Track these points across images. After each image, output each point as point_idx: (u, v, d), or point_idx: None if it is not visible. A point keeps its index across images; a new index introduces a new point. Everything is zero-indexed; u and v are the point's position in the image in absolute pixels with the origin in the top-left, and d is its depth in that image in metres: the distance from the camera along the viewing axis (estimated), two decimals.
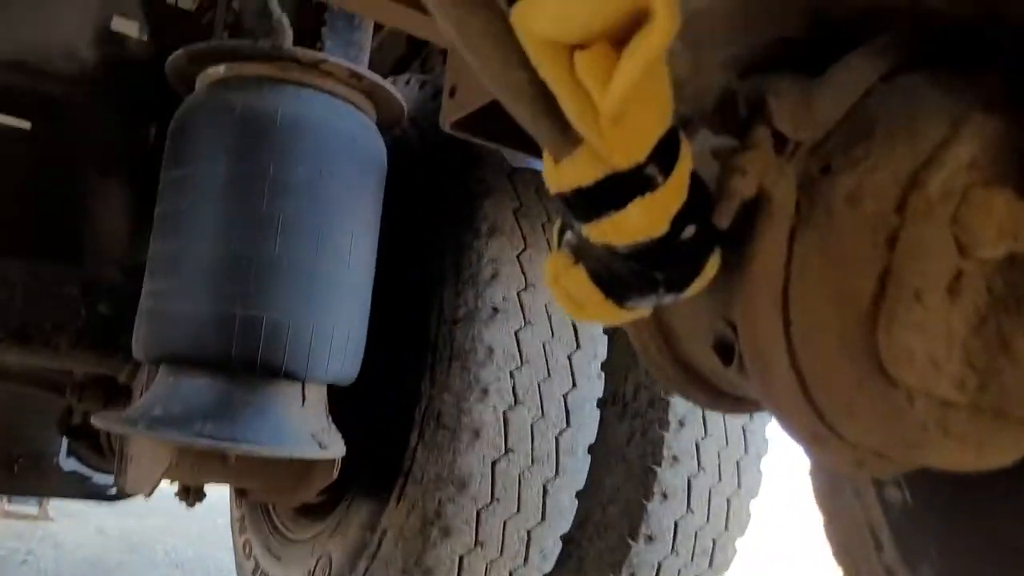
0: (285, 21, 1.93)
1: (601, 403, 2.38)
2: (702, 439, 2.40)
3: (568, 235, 0.78)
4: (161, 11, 2.53)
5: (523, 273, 2.15)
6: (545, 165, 0.69)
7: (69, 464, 3.46)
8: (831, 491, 1.19)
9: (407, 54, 3.14)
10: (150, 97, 2.29)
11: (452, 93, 1.24)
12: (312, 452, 1.85)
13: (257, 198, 1.78)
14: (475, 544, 2.08)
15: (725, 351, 0.82)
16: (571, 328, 2.20)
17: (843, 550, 1.18)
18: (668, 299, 0.73)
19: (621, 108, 0.60)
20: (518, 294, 2.12)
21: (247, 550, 2.78)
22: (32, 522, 6.32)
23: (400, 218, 2.41)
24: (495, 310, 2.08)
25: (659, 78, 0.62)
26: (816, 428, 0.75)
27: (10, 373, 2.66)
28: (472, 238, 2.13)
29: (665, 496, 2.36)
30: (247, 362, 1.77)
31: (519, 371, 2.09)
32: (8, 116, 3.20)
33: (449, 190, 2.24)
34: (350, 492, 2.32)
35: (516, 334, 2.10)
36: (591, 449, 2.26)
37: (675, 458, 2.37)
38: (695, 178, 0.68)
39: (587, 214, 0.68)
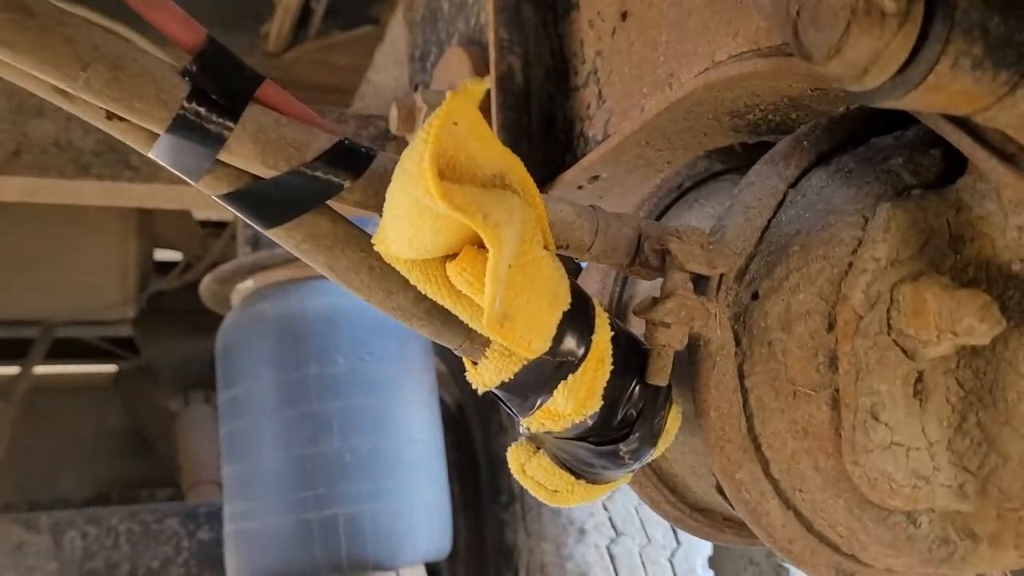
0: None
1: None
2: None
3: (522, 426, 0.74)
4: (195, 233, 2.65)
5: None
6: (467, 369, 0.66)
7: None
8: None
9: None
10: (207, 313, 2.37)
11: None
12: None
13: (306, 400, 1.80)
14: None
15: None
16: None
17: None
18: (638, 466, 0.68)
19: (503, 309, 0.57)
20: None
21: None
22: None
23: (458, 367, 2.40)
24: None
25: (539, 268, 0.59)
26: (840, 564, 0.67)
27: None
28: None
29: None
30: (334, 564, 1.75)
31: (611, 501, 2.01)
32: (94, 364, 3.38)
33: None
34: None
35: None
36: (712, 561, 2.14)
37: None
38: (621, 341, 0.64)
39: (521, 407, 0.65)
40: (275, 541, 1.77)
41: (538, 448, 0.71)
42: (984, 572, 0.64)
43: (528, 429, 0.68)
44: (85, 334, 3.13)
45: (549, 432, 0.66)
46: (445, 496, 1.97)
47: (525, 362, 0.61)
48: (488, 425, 2.22)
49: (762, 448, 0.63)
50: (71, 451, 3.23)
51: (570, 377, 0.61)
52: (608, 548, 1.98)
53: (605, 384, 0.62)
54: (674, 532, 2.07)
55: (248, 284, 1.96)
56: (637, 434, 0.65)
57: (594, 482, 0.70)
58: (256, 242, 2.06)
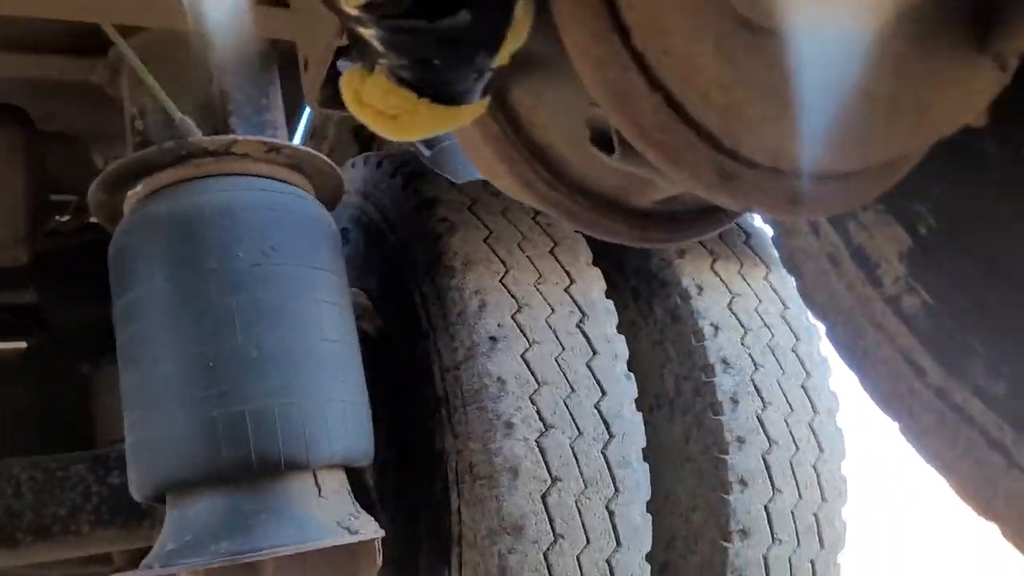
0: (189, 121, 1.89)
1: (646, 410, 2.21)
2: (762, 411, 2.20)
3: (354, 53, 0.67)
4: (91, 173, 2.53)
5: (512, 296, 2.02)
6: None
7: None
8: (855, 334, 1.02)
9: (359, 152, 3.11)
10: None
11: (306, 66, 1.15)
12: (341, 539, 1.69)
13: (204, 296, 1.69)
14: None
15: (603, 139, 0.69)
16: (582, 335, 2.05)
17: (886, 397, 1.00)
18: (485, 61, 0.60)
19: None
20: (513, 317, 1.99)
21: None
22: None
23: (376, 290, 2.31)
24: (493, 339, 1.94)
25: None
26: (722, 163, 0.60)
27: None
28: (448, 278, 2.02)
29: (744, 483, 2.15)
30: (241, 464, 1.64)
31: (538, 394, 1.94)
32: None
33: (413, 244, 2.15)
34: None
35: (523, 357, 1.95)
36: (649, 461, 2.07)
37: (740, 439, 2.17)
38: None
39: None
40: (177, 445, 1.66)
41: (371, 69, 0.63)
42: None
43: (350, 17, 0.60)
44: None
45: (380, 6, 0.58)
46: (363, 398, 1.88)
47: None
48: (412, 337, 2.14)
49: (621, 13, 0.56)
50: None
51: None
52: (537, 441, 1.90)
53: None
54: (605, 425, 2.00)
55: (138, 189, 1.85)
56: (481, 10, 0.57)
57: (437, 99, 0.62)
58: (144, 147, 1.95)
